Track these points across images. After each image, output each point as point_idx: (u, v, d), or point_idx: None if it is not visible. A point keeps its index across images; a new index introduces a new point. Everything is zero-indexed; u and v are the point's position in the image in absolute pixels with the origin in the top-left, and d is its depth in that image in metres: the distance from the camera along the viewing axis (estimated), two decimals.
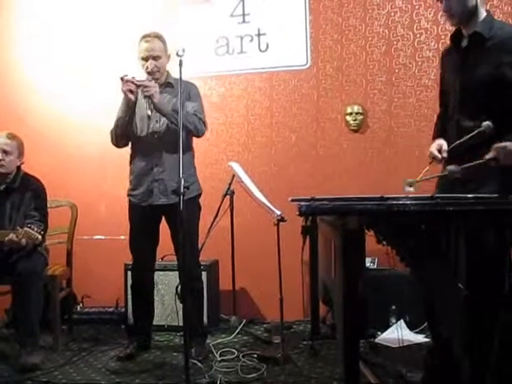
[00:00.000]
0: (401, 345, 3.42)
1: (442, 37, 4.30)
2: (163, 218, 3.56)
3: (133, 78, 3.36)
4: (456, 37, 2.72)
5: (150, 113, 3.39)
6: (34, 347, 3.46)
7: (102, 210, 4.86)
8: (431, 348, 2.74)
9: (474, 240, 2.06)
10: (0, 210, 3.64)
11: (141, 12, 4.88)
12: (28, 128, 4.75)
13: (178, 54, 3.10)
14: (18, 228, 3.40)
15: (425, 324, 3.61)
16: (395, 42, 4.45)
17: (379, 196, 2.11)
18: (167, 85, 3.55)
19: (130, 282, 4.00)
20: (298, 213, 2.13)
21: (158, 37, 3.52)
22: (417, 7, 4.42)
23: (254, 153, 4.72)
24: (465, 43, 2.64)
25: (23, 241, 3.39)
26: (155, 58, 3.45)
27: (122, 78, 3.35)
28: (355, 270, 2.12)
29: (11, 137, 3.71)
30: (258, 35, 4.68)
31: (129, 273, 4.10)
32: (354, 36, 4.53)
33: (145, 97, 3.37)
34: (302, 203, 2.13)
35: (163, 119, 3.42)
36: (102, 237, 4.78)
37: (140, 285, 3.64)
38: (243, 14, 4.71)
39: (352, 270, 2.12)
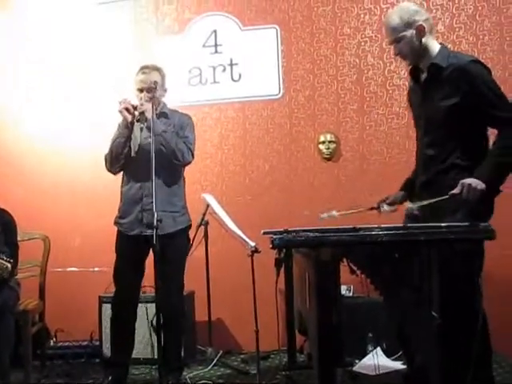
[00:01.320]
0: (378, 372, 3.41)
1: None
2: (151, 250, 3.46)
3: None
4: (415, 72, 2.80)
5: (141, 126, 3.34)
6: None
7: (76, 242, 4.79)
8: (407, 375, 2.75)
9: (445, 268, 2.09)
10: None
11: (114, 44, 4.89)
12: None
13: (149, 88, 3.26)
14: None
15: (401, 351, 3.56)
16: (366, 71, 4.55)
17: (352, 227, 2.14)
18: (161, 115, 3.55)
19: (105, 314, 3.95)
20: (270, 246, 2.13)
21: (157, 69, 3.53)
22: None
23: (228, 182, 4.72)
24: (424, 76, 2.71)
25: None
26: (150, 90, 3.42)
27: (120, 102, 3.37)
28: (329, 300, 2.13)
29: None
30: (231, 65, 4.74)
31: (104, 305, 4.05)
32: (325, 65, 4.62)
33: (139, 114, 3.32)
34: (275, 236, 2.14)
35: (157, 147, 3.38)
36: (76, 269, 4.73)
37: (122, 317, 3.47)
38: (215, 45, 4.76)
39: (326, 300, 2.12)
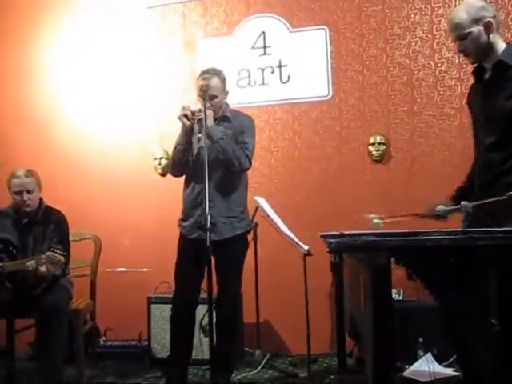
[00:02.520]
0: (431, 379, 3.36)
1: (464, 66, 4.28)
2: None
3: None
4: (478, 71, 2.72)
5: (199, 136, 3.28)
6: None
7: (126, 243, 4.84)
8: (462, 383, 2.73)
9: (504, 274, 2.02)
10: (23, 244, 3.67)
11: (163, 48, 4.94)
12: (51, 160, 4.87)
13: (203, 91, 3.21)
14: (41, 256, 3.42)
15: (453, 357, 3.54)
16: (416, 72, 4.48)
17: (409, 231, 2.09)
18: (223, 119, 3.52)
19: (153, 314, 4.02)
20: (327, 249, 2.10)
21: (217, 74, 3.49)
22: (437, 36, 4.45)
23: (277, 184, 4.71)
24: (488, 75, 2.64)
25: (42, 268, 3.38)
26: (211, 97, 3.40)
27: (184, 108, 3.37)
28: (385, 305, 2.10)
29: (29, 174, 3.73)
30: (280, 67, 4.73)
31: (152, 306, 4.12)
32: (375, 66, 4.57)
33: (198, 121, 3.35)
34: (332, 240, 2.09)
35: (214, 153, 3.35)
36: (125, 269, 4.76)
37: (181, 318, 3.42)
38: (264, 47, 4.76)
39: (382, 304, 2.09)
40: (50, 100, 5.15)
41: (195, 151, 3.46)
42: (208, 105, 3.31)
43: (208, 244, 2.67)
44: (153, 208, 4.72)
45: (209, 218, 2.74)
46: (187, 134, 3.43)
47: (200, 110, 3.30)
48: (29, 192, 3.70)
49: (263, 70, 4.77)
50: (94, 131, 5.03)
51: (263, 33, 4.78)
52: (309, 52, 4.70)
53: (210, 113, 3.31)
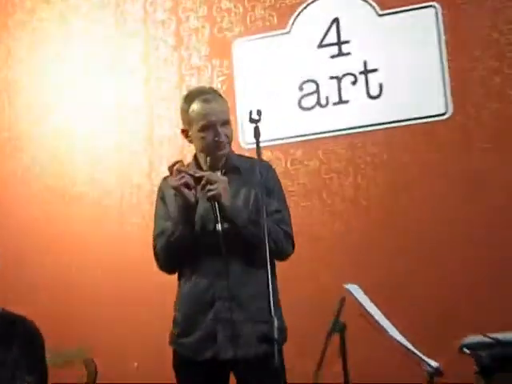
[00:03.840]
0: None
1: None
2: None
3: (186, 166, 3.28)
4: None
5: (219, 227, 3.17)
6: None
7: (134, 365, 4.72)
8: None
9: None
10: None
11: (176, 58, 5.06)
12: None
13: (251, 119, 2.90)
14: None
15: None
16: None
17: None
18: (231, 170, 3.38)
19: None
20: (475, 367, 2.28)
21: (218, 93, 3.42)
22: None
23: (371, 250, 4.49)
24: None
25: None
26: (224, 125, 3.28)
27: (171, 168, 3.22)
28: None
29: None
30: (365, 73, 4.58)
31: None
32: None
33: (208, 199, 3.20)
34: (481, 352, 2.21)
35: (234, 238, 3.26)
36: None
37: None
38: (339, 42, 4.64)
39: None
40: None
41: (199, 225, 3.29)
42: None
43: (276, 364, 2.48)
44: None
45: (276, 323, 2.55)
46: (188, 211, 3.25)
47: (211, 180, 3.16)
48: None
49: (339, 79, 4.62)
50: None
51: (336, 21, 4.64)
52: (411, 46, 4.51)
53: (224, 181, 3.18)
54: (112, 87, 5.22)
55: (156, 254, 3.38)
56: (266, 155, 4.42)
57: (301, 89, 4.69)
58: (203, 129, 3.25)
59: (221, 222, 3.16)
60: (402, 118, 4.52)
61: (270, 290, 2.62)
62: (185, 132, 3.33)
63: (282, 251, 3.26)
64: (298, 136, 4.66)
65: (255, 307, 3.18)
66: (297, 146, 4.67)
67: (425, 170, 4.50)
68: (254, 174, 3.20)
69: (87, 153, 5.28)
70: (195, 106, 3.30)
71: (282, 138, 4.66)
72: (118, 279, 4.92)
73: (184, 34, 5.06)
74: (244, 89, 4.75)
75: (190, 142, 3.35)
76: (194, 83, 4.90)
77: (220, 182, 3.16)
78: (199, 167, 3.31)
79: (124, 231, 5.05)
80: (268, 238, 2.95)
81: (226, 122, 3.28)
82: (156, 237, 3.36)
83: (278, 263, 3.31)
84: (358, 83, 4.60)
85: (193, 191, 3.19)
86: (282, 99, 4.69)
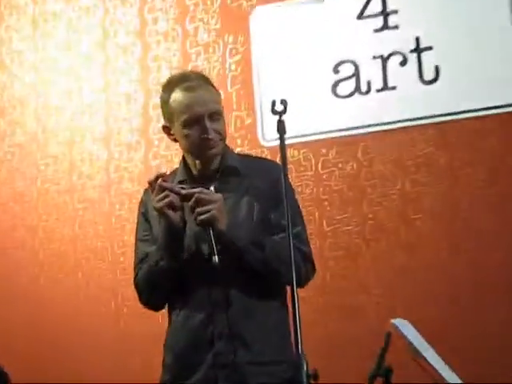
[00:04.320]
0: None
1: None
2: None
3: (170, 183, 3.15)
4: None
5: (215, 260, 3.00)
6: None
7: None
8: None
9: None
10: None
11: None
12: None
13: (274, 111, 2.76)
14: None
15: None
16: None
17: None
18: (228, 173, 3.24)
19: None
20: None
21: (205, 78, 3.28)
22: None
23: (427, 295, 4.32)
24: None
25: None
26: (213, 117, 3.13)
27: (152, 183, 3.09)
28: None
29: None
30: (418, 51, 4.42)
31: None
32: None
33: (199, 224, 3.05)
34: None
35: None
36: None
37: None
38: (384, 13, 4.49)
39: None
40: None
41: (192, 248, 3.19)
42: (213, 132, 3.10)
43: None
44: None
45: (304, 366, 2.43)
46: (175, 237, 3.13)
47: (199, 193, 3.04)
48: None
49: (385, 59, 4.48)
50: None
51: None
52: (476, 15, 4.37)
53: (218, 200, 3.03)
54: (102, 68, 5.22)
55: (137, 286, 3.32)
56: (291, 155, 4.45)
57: (336, 71, 4.56)
58: (187, 124, 3.12)
59: (217, 252, 3.01)
60: (465, 109, 4.39)
61: (298, 322, 2.49)
62: (166, 129, 3.23)
63: (300, 276, 3.05)
64: (331, 131, 4.52)
65: (263, 345, 3.15)
66: (330, 143, 4.55)
67: (500, 175, 4.38)
68: (259, 178, 3.19)
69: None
70: (176, 96, 3.17)
71: (312, 134, 4.55)
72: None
73: (189, 3, 5.05)
74: (265, 72, 4.66)
75: (174, 140, 3.24)
76: (200, 64, 4.89)
77: (213, 202, 3.01)
78: (188, 172, 3.22)
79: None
80: (277, 262, 3.04)
81: (216, 114, 3.13)
82: (137, 264, 3.30)
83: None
84: (408, 64, 4.44)
85: (179, 213, 3.08)
86: (312, 85, 4.57)
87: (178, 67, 4.98)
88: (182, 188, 3.07)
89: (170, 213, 3.03)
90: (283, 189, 2.88)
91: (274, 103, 2.75)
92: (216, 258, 2.99)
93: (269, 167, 3.27)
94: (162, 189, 3.02)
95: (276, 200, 3.05)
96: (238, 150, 4.32)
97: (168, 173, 3.24)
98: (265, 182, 3.18)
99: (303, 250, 3.13)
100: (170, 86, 3.20)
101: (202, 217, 2.99)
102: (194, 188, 3.03)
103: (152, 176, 3.07)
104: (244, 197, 3.18)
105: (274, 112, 2.76)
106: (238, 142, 4.54)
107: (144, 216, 3.26)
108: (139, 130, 5.07)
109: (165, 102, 3.19)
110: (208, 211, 2.99)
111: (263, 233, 3.10)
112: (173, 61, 5.06)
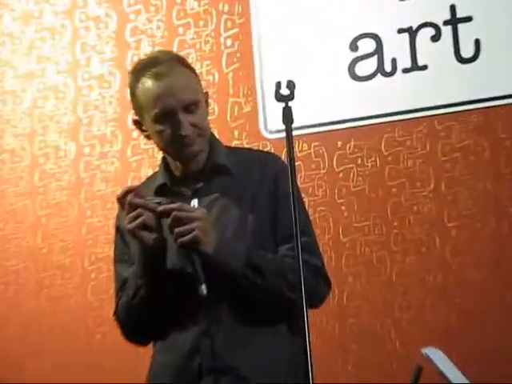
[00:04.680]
0: None
1: None
2: None
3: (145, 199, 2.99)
4: None
5: (203, 290, 2.91)
6: None
7: None
8: None
9: None
10: None
11: None
12: None
13: (279, 96, 2.65)
14: None
15: None
16: None
17: None
18: (214, 170, 3.10)
19: None
20: None
21: (179, 60, 3.13)
22: None
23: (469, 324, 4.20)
24: None
25: None
26: (189, 109, 2.97)
27: (121, 200, 2.97)
28: None
29: None
30: (453, 23, 4.27)
31: None
32: None
33: (180, 246, 2.93)
34: None
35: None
36: None
37: None
38: None
39: None
40: None
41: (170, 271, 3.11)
42: (189, 126, 2.98)
43: None
44: None
45: None
46: (153, 263, 3.01)
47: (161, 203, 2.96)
48: None
49: (413, 32, 4.33)
50: None
51: None
52: None
53: (202, 217, 2.91)
54: (69, 44, 5.11)
55: (117, 320, 3.22)
56: (300, 149, 4.34)
57: (354, 48, 4.39)
58: (158, 119, 2.99)
59: (204, 280, 2.89)
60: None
61: (309, 353, 2.46)
62: (138, 124, 3.11)
63: (313, 296, 2.90)
64: (349, 120, 4.37)
65: (263, 380, 2.99)
66: (348, 135, 4.39)
67: None
68: (254, 176, 3.10)
69: None
70: (143, 86, 3.04)
71: (326, 124, 4.39)
72: None
73: None
74: (268, 48, 4.50)
75: (148, 137, 3.12)
76: (189, 39, 4.76)
77: (196, 220, 2.88)
78: (170, 173, 3.10)
79: None
80: (281, 285, 2.97)
81: (193, 105, 2.97)
82: (117, 293, 3.21)
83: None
84: (441, 39, 4.27)
85: (154, 234, 2.94)
86: (325, 64, 4.41)
87: (163, 43, 4.85)
88: (159, 203, 2.93)
89: (145, 235, 2.89)
90: (289, 189, 2.69)
91: (278, 86, 2.58)
92: (203, 288, 2.87)
93: (267, 161, 3.15)
94: (134, 206, 2.88)
95: (276, 203, 3.02)
96: (234, 143, 4.22)
97: (149, 176, 3.23)
98: (262, 180, 3.07)
99: (313, 263, 2.97)
100: (136, 73, 3.05)
101: (183, 239, 2.86)
102: (172, 202, 2.89)
103: (120, 192, 2.94)
104: (236, 202, 3.06)
105: (278, 97, 2.59)
106: (235, 133, 4.40)
107: (119, 231, 3.14)
108: (115, 120, 4.87)
109: (132, 93, 3.06)
110: (190, 231, 2.84)
111: (261, 247, 2.97)
112: (156, 35, 4.90)
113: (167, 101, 2.93)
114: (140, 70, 3.02)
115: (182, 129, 2.91)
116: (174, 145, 2.94)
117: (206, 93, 3.08)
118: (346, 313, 4.42)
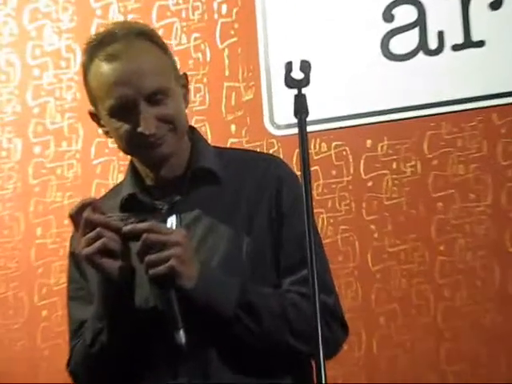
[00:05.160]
0: None
1: None
2: None
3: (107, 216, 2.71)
4: None
5: (180, 338, 2.64)
6: None
7: None
8: None
9: None
10: None
11: None
12: None
13: (290, 80, 2.41)
14: None
15: None
16: None
17: None
18: (198, 177, 2.86)
19: None
20: None
21: (142, 33, 2.86)
22: None
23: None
24: None
25: None
26: (154, 99, 2.73)
27: (73, 216, 2.69)
28: None
29: None
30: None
31: None
32: None
33: (151, 280, 2.71)
34: None
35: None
36: None
37: None
38: None
39: None
40: None
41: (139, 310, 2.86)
42: (155, 122, 2.74)
43: None
44: None
45: None
46: (116, 295, 2.76)
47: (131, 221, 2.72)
48: None
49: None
50: None
51: None
52: None
53: (182, 242, 2.68)
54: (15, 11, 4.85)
55: (71, 375, 2.91)
56: (316, 149, 4.11)
57: (388, 19, 4.10)
58: (113, 113, 2.72)
59: (183, 324, 2.61)
60: None
61: None
62: (95, 117, 2.83)
63: (331, 349, 2.74)
64: (380, 113, 4.07)
65: None
66: (379, 131, 4.11)
67: None
68: (249, 184, 2.85)
69: None
70: (95, 70, 2.78)
71: (349, 117, 4.10)
72: None
73: None
74: (275, 19, 4.20)
75: (107, 134, 2.85)
76: (172, 4, 4.48)
77: (173, 245, 2.59)
78: (140, 183, 2.82)
79: None
80: (283, 331, 2.79)
81: (160, 93, 2.72)
82: (72, 337, 2.93)
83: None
84: (503, 6, 3.96)
85: (119, 262, 2.66)
86: (350, 40, 4.13)
87: (138, 9, 4.58)
88: (125, 221, 2.66)
89: (106, 262, 2.59)
90: (298, 202, 2.45)
91: (289, 67, 2.30)
92: (181, 336, 2.59)
93: (268, 166, 2.86)
94: (92, 225, 2.58)
95: (280, 222, 2.79)
96: (231, 142, 4.03)
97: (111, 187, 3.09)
98: (261, 191, 2.81)
99: (325, 301, 2.64)
100: (89, 52, 2.78)
101: (155, 270, 2.58)
102: (142, 221, 2.61)
103: (74, 206, 2.63)
104: (226, 220, 2.83)
105: (289, 82, 2.32)
106: (232, 129, 4.08)
107: (74, 258, 2.85)
108: (74, 109, 4.46)
109: (85, 78, 2.80)
110: (164, 260, 2.56)
111: (259, 281, 2.73)
112: (141, 13, 4.62)
113: (124, 89, 2.67)
114: (94, 47, 2.76)
115: (143, 125, 2.64)
116: (135, 145, 2.67)
117: (184, 75, 2.79)
118: (377, 365, 4.15)
